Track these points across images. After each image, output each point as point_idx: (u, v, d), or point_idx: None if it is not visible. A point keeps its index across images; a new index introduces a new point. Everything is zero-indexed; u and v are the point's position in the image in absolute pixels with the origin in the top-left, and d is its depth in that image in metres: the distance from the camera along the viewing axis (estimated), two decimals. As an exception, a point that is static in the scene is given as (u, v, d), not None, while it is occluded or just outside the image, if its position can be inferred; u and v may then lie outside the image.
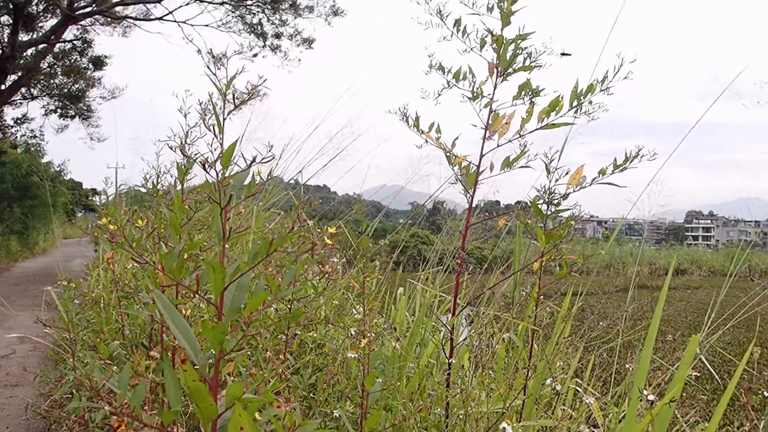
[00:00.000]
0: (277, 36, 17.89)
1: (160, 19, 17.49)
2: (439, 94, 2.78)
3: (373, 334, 2.48)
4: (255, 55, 18.18)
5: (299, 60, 18.35)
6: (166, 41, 17.90)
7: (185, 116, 2.44)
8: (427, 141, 2.75)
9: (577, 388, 2.87)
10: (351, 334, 2.64)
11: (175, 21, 17.41)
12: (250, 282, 1.25)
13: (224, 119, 1.26)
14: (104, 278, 5.42)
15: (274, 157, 1.24)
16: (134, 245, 1.26)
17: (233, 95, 1.33)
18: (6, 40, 15.50)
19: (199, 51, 18.05)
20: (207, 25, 17.61)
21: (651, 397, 1.68)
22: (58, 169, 24.61)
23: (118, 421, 1.04)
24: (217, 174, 1.20)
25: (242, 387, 1.10)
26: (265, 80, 1.25)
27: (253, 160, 1.24)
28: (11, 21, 15.47)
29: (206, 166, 1.22)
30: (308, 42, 18.10)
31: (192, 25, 17.60)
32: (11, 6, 15.29)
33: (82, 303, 4.83)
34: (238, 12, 17.59)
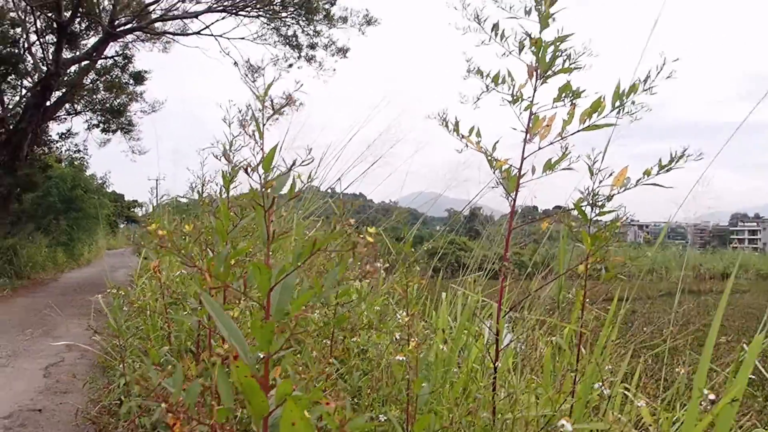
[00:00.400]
0: (312, 47, 18.04)
1: (198, 33, 17.83)
2: (478, 98, 2.77)
3: (417, 338, 2.48)
4: (290, 66, 18.34)
5: (334, 69, 18.46)
6: (204, 55, 18.27)
7: (229, 125, 2.50)
8: (467, 145, 2.74)
9: (626, 392, 2.82)
10: (396, 339, 2.65)
11: (212, 35, 17.73)
12: (295, 283, 1.26)
13: (264, 125, 1.29)
14: (150, 287, 5.54)
15: (313, 160, 1.26)
16: (182, 250, 1.30)
17: (271, 102, 1.35)
18: (51, 57, 16.02)
19: (235, 63, 18.35)
20: (243, 38, 17.87)
21: (711, 397, 1.63)
22: (100, 181, 25.33)
23: (174, 419, 1.07)
24: (260, 178, 1.22)
25: (292, 384, 1.12)
26: (301, 85, 1.27)
27: (294, 164, 1.26)
28: (56, 39, 16.01)
29: (248, 170, 1.25)
30: (343, 51, 18.20)
31: (228, 39, 17.90)
32: (55, 25, 15.83)
33: (129, 311, 4.95)
34: (273, 24, 17.82)
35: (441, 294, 4.04)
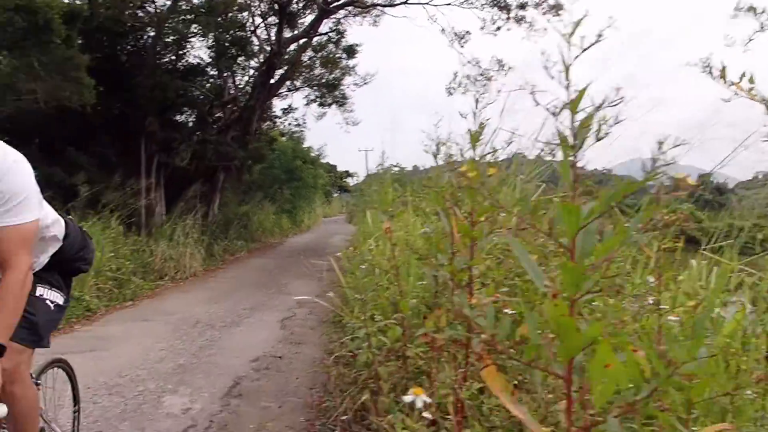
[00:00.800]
0: (522, 6, 17.08)
1: (405, 2, 18.10)
2: (750, 39, 2.48)
3: (667, 306, 2.32)
4: (498, 29, 17.80)
5: (545, 29, 17.48)
6: (411, 24, 18.46)
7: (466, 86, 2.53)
8: (736, 93, 2.45)
9: None
10: (648, 303, 2.50)
11: (419, 3, 17.92)
12: (597, 229, 1.23)
13: (571, 65, 1.26)
14: (377, 249, 5.86)
15: (623, 99, 1.21)
16: (489, 190, 1.34)
17: (573, 44, 1.31)
18: (273, 38, 17.43)
19: (443, 30, 18.35)
20: (449, 4, 17.72)
21: None
22: (317, 153, 27.34)
23: (486, 350, 1.11)
24: (572, 120, 1.20)
25: (601, 327, 1.10)
26: (614, 21, 1.22)
27: (602, 103, 1.22)
28: (277, 20, 17.35)
29: (555, 113, 1.24)
30: (555, 9, 17.03)
31: (435, 6, 17.91)
32: (276, 6, 17.16)
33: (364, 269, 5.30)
34: (481, -15, 17.41)
35: (687, 263, 3.72)
